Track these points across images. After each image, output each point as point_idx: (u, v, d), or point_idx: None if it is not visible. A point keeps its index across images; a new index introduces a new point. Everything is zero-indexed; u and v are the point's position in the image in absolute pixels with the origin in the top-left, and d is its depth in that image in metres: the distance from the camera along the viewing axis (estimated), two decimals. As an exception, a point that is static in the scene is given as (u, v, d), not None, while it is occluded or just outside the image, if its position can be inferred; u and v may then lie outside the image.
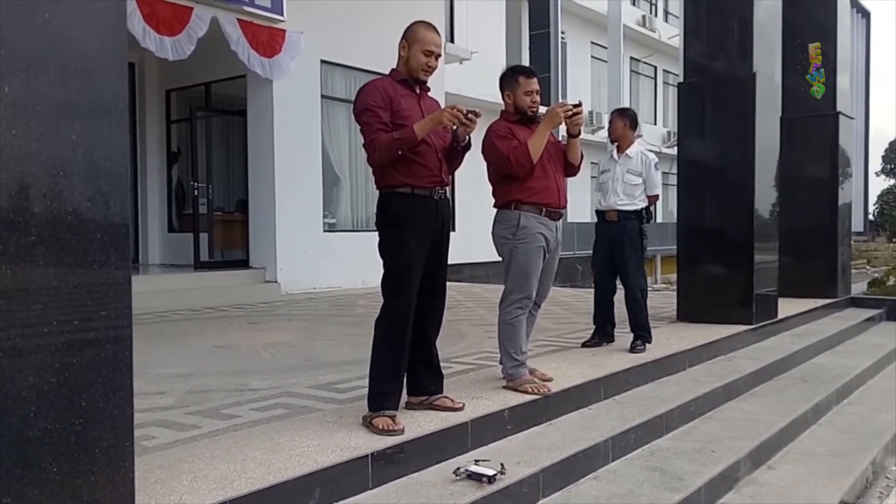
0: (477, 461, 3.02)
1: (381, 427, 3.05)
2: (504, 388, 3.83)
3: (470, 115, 3.17)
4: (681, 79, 6.98)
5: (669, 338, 5.57)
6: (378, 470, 2.82)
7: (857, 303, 8.81)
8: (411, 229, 3.21)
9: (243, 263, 9.45)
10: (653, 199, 5.22)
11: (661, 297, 9.08)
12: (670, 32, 25.06)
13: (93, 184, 1.98)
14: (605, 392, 4.18)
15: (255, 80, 9.00)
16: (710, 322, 6.17)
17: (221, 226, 10.00)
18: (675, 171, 7.06)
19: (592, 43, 23.45)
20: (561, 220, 3.99)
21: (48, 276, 1.90)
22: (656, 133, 26.41)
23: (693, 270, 6.63)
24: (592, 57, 23.62)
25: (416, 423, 3.18)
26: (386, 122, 3.18)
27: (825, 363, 6.01)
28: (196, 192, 9.64)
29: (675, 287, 6.98)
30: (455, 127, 3.25)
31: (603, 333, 5.22)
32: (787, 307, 7.12)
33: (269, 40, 8.66)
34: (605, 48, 22.69)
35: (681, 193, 6.79)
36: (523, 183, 3.82)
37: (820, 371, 5.68)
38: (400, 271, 3.22)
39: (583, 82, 22.89)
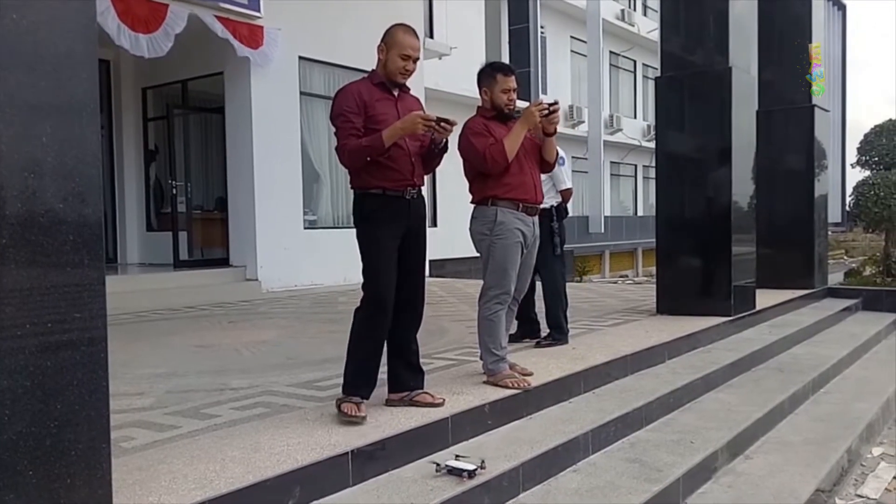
0: (457, 456, 3.04)
1: (345, 411, 3.16)
2: (484, 383, 3.85)
3: (443, 123, 3.20)
4: (660, 73, 7.02)
5: (649, 330, 5.62)
6: (358, 467, 2.83)
7: (833, 293, 8.92)
8: (383, 227, 3.29)
9: (223, 262, 9.38)
10: (565, 195, 5.15)
11: (642, 290, 9.16)
12: (649, 26, 25.21)
13: (65, 185, 1.97)
14: (584, 385, 4.21)
15: (233, 76, 8.95)
16: (690, 314, 6.22)
17: (201, 224, 9.93)
18: (654, 164, 7.11)
19: (572, 37, 23.51)
20: (537, 216, 4.01)
21: (21, 278, 1.88)
22: (636, 127, 26.57)
23: (672, 263, 6.69)
24: (572, 51, 23.69)
25: (397, 420, 3.19)
26: (358, 127, 3.23)
27: (802, 353, 6.09)
28: (174, 191, 9.57)
29: (655, 280, 7.03)
30: (432, 133, 3.28)
31: (526, 328, 5.18)
32: (765, 298, 7.20)
33: (250, 35, 8.62)
34: (585, 42, 22.76)
35: (659, 187, 6.84)
36: (499, 179, 3.83)
37: (797, 361, 5.75)
38: (375, 265, 3.29)
39: (562, 77, 22.95)
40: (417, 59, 3.37)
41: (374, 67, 3.40)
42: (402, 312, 3.39)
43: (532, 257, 4.05)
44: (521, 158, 3.88)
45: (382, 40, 3.35)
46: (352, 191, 3.39)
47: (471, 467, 2.88)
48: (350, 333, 3.35)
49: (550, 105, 3.82)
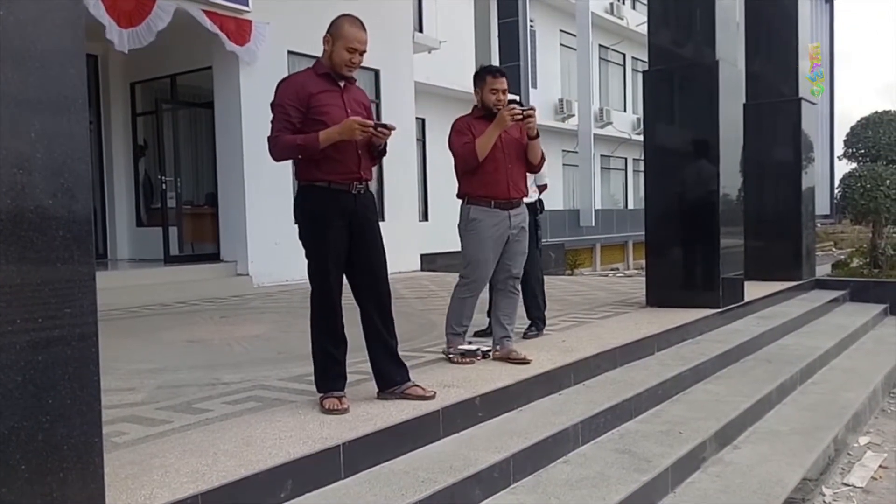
0: (470, 342, 3.47)
1: (328, 407, 3.23)
2: (442, 352, 4.28)
3: (380, 129, 3.23)
4: (648, 66, 7.04)
5: (638, 322, 5.65)
6: (350, 459, 2.85)
7: (821, 284, 8.98)
8: (327, 222, 3.28)
9: (214, 257, 9.38)
10: (542, 190, 5.25)
11: (632, 282, 9.20)
12: (638, 20, 25.20)
13: (54, 180, 1.97)
14: (575, 377, 4.24)
15: (222, 71, 8.92)
16: (679, 306, 6.26)
17: (191, 219, 9.91)
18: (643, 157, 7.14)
19: (561, 31, 23.50)
20: (520, 208, 4.21)
21: (11, 274, 1.88)
22: (626, 120, 26.62)
23: (661, 256, 6.73)
24: (561, 45, 23.67)
25: (388, 413, 3.21)
26: (294, 121, 3.24)
27: (790, 344, 6.14)
28: (164, 186, 9.54)
29: (645, 272, 7.07)
30: (370, 138, 3.29)
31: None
32: (754, 290, 7.25)
33: (237, 30, 8.60)
34: (574, 36, 22.76)
35: (648, 180, 6.87)
36: (473, 176, 4.11)
37: (785, 352, 5.80)
38: (318, 261, 3.32)
39: (552, 70, 22.95)
40: (364, 51, 3.35)
41: (320, 57, 3.39)
42: (370, 309, 3.42)
43: (520, 244, 4.24)
44: (497, 157, 4.08)
45: (328, 31, 3.34)
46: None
47: (485, 348, 2.96)
48: (310, 335, 3.40)
49: (524, 110, 3.98)
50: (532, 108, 4.04)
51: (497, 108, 4.09)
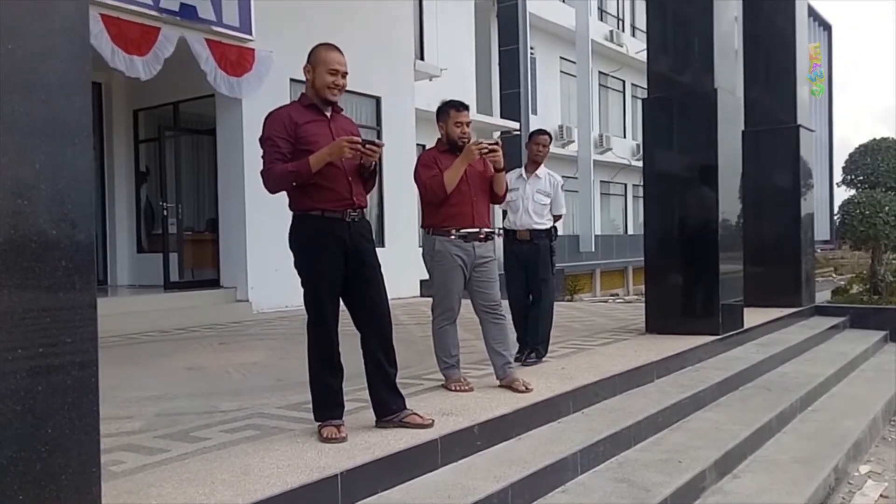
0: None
1: (326, 436, 3.23)
2: (442, 386, 4.27)
3: (369, 146, 3.25)
4: (647, 93, 7.10)
5: (638, 350, 5.65)
6: (348, 489, 2.84)
7: (821, 311, 8.97)
8: (322, 251, 3.30)
9: (214, 283, 9.38)
10: (557, 219, 5.33)
11: (632, 308, 9.20)
12: (637, 47, 25.45)
13: (57, 210, 2.00)
14: (574, 405, 4.23)
15: (224, 99, 8.98)
16: (678, 333, 6.26)
17: (191, 245, 9.94)
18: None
19: (561, 58, 23.72)
20: (483, 240, 4.26)
21: (13, 302, 1.90)
22: (626, 146, 26.76)
23: (660, 282, 6.74)
24: (561, 72, 23.89)
25: (386, 442, 3.20)
26: (284, 152, 3.27)
27: (790, 372, 6.12)
28: (165, 212, 9.59)
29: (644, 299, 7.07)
30: (360, 157, 3.31)
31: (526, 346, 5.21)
32: (753, 317, 7.25)
33: (237, 59, 8.67)
34: (574, 63, 22.97)
35: (647, 206, 6.90)
36: (439, 208, 4.19)
37: (784, 380, 5.78)
38: (314, 291, 3.32)
39: (552, 97, 23.13)
40: (346, 73, 3.39)
41: (304, 90, 3.44)
42: (369, 336, 3.42)
43: (488, 272, 4.27)
44: (462, 190, 4.18)
45: (308, 61, 3.39)
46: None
47: (488, 230, 3.73)
48: (307, 363, 3.39)
49: (490, 144, 4.10)
50: (497, 143, 4.14)
51: (462, 141, 4.18)
